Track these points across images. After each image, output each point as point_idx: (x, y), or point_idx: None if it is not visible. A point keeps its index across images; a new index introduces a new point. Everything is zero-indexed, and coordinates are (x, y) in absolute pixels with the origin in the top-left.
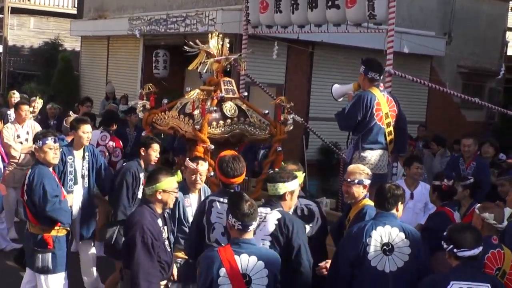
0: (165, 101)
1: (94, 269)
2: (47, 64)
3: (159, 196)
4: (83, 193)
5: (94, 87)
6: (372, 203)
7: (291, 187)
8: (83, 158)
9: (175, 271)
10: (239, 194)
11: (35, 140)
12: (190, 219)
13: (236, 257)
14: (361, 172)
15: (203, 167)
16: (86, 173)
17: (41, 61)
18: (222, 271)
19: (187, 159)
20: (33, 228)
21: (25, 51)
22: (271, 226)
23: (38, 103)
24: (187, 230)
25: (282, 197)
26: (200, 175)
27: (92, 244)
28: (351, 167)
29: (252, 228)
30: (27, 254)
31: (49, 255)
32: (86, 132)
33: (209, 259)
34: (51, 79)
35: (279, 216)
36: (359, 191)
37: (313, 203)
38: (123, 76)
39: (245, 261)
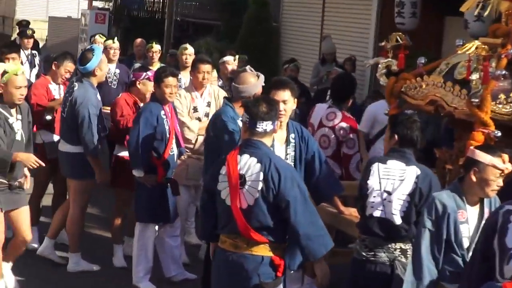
0: (421, 60)
1: None
2: (230, 11)
3: None
4: None
5: (303, 44)
6: None
7: None
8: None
9: None
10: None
11: None
12: (466, 242)
13: (238, 156)
14: None
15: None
16: None
17: (221, 6)
18: (223, 169)
19: (476, 151)
20: (255, 248)
21: None
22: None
23: (230, 64)
24: (460, 260)
25: None
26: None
27: None
28: None
29: (261, 128)
30: None
31: None
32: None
33: None
34: (237, 32)
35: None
36: None
37: None
38: (347, 29)
39: (244, 161)
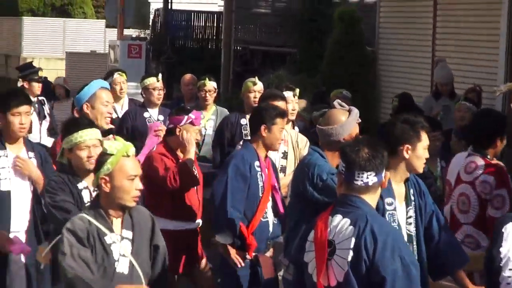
0: None
1: None
2: (309, 34)
3: None
4: None
5: (407, 72)
6: None
7: None
8: None
9: None
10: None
11: None
12: None
13: (329, 217)
14: None
15: None
16: None
17: (297, 28)
18: (311, 235)
19: None
20: None
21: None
22: None
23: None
24: None
25: None
26: None
27: None
28: None
29: (361, 181)
30: None
31: None
32: None
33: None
34: (319, 61)
35: None
36: None
37: None
38: (467, 50)
39: (336, 223)
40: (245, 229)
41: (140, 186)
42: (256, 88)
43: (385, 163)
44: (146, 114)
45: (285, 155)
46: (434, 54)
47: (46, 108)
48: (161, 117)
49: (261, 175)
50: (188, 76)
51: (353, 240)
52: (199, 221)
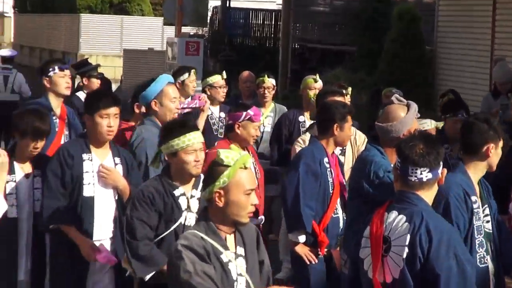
0: None
1: None
2: (369, 32)
3: None
4: None
5: (466, 71)
6: None
7: None
8: None
9: None
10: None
11: None
12: None
13: (385, 213)
14: None
15: None
16: None
17: (356, 25)
18: (367, 231)
19: None
20: None
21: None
22: None
23: None
24: None
25: None
26: None
27: None
28: None
29: (415, 177)
30: None
31: None
32: None
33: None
34: (378, 59)
35: None
36: None
37: None
38: None
39: (391, 219)
40: (317, 226)
41: (257, 201)
42: (317, 85)
43: (440, 160)
44: (208, 112)
45: (343, 152)
46: (493, 53)
47: None
48: (222, 114)
49: (331, 171)
50: (246, 73)
51: (408, 236)
52: (261, 217)
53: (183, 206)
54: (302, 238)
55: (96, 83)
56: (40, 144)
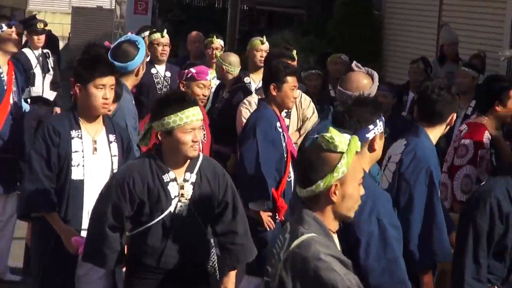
0: None
1: None
2: None
3: None
4: None
5: (413, 37)
6: None
7: None
8: None
9: None
10: None
11: None
12: None
13: None
14: None
15: None
16: None
17: None
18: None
19: None
20: None
21: None
22: None
23: None
24: None
25: None
26: None
27: None
28: None
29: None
30: None
31: None
32: None
33: None
34: (326, 24)
35: None
36: None
37: None
38: (472, 15)
39: None
40: (275, 192)
41: (363, 191)
42: (263, 47)
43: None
44: (153, 70)
45: (288, 114)
46: (440, 19)
47: (51, 61)
48: (168, 74)
49: (283, 135)
50: (194, 33)
51: None
52: None
53: (173, 193)
54: (263, 206)
55: (36, 39)
56: None
